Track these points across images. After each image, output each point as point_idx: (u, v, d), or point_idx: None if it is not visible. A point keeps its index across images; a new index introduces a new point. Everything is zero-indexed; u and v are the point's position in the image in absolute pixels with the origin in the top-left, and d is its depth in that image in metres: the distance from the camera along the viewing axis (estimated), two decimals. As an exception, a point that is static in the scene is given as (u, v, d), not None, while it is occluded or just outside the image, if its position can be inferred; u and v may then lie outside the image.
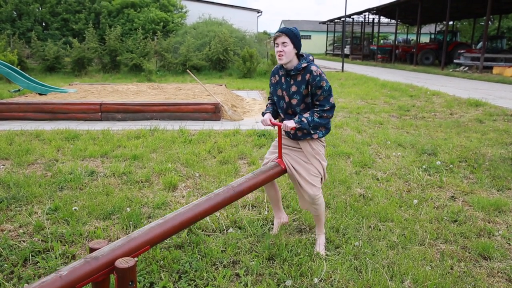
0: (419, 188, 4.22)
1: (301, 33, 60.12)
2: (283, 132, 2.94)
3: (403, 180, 4.47)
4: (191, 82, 13.20)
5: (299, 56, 2.77)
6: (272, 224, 3.34)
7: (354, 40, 38.04)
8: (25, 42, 20.11)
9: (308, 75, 2.70)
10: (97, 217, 3.43)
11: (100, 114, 7.32)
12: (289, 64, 2.73)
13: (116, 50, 17.76)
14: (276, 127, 2.90)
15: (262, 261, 2.79)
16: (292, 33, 2.68)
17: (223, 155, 5.13)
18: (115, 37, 17.83)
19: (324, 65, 27.98)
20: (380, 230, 3.28)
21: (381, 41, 39.37)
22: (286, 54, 2.67)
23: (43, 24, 24.94)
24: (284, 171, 2.87)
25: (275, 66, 2.95)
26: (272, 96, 3.00)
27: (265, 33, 41.54)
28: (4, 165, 4.83)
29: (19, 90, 10.77)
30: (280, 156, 2.88)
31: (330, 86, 2.74)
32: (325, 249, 2.95)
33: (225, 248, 2.97)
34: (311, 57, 2.79)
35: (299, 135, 2.81)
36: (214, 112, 7.52)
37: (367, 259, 2.82)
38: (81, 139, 5.94)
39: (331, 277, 2.62)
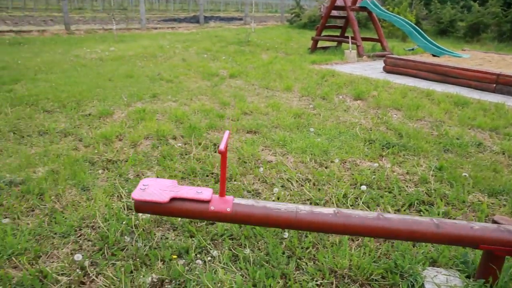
0: None
1: None
2: None
3: None
4: None
5: None
6: None
7: None
8: (424, 4, 20.78)
9: None
10: (483, 190, 3.33)
11: (494, 85, 6.85)
12: None
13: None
14: None
15: None
16: None
17: None
18: (525, 3, 15.82)
19: None
20: None
21: None
22: None
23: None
24: None
25: None
26: None
27: None
28: (396, 115, 5.34)
29: (413, 49, 11.42)
30: None
31: None
32: None
33: None
34: None
35: None
36: None
37: None
38: (470, 107, 5.79)
39: None
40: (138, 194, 1.83)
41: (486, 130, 4.86)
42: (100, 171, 3.41)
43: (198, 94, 5.99)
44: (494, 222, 2.05)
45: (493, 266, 2.04)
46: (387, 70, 8.37)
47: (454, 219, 2.91)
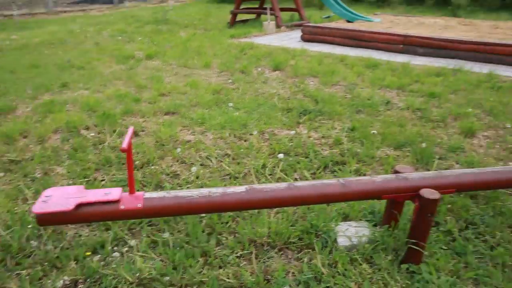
0: None
1: None
2: None
3: None
4: (511, 20, 11.32)
5: None
6: None
7: None
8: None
9: None
10: (389, 145, 3.56)
11: (401, 46, 7.25)
12: None
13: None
14: None
15: None
16: None
17: (539, 111, 4.35)
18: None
19: None
20: None
21: None
22: None
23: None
24: None
25: None
26: None
27: None
28: (313, 82, 5.50)
29: (329, 16, 11.72)
30: None
31: None
32: None
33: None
34: None
35: None
36: (535, 59, 6.31)
37: None
38: (380, 68, 6.10)
39: None
40: (39, 207, 1.71)
41: (394, 89, 5.15)
42: (1, 174, 3.17)
43: (112, 79, 5.74)
44: (396, 172, 2.19)
45: (394, 212, 2.20)
46: (305, 39, 8.54)
47: (364, 175, 3.08)
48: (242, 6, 11.38)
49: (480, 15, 14.40)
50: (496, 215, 2.59)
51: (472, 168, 2.99)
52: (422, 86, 5.20)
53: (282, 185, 2.01)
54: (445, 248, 2.29)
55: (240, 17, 11.74)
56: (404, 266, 2.10)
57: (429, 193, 1.85)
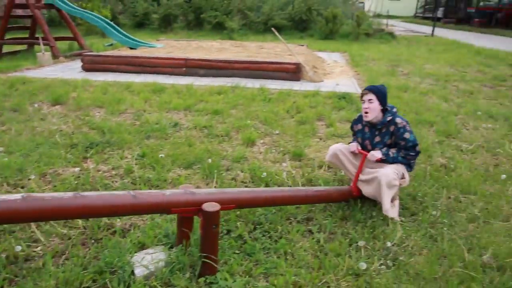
0: (509, 163, 3.94)
1: (391, -7, 55.60)
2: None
3: (491, 153, 4.19)
4: (272, 41, 13.14)
5: (383, 109, 2.85)
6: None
7: (449, 1, 34.95)
8: (118, -1, 21.15)
9: (392, 127, 2.83)
10: (180, 165, 3.67)
11: (184, 69, 7.62)
12: (374, 119, 2.85)
13: (201, 7, 18.08)
14: (360, 154, 3.00)
15: (336, 221, 2.83)
16: (379, 91, 2.80)
17: (301, 115, 5.15)
18: (200, -6, 18.11)
19: (412, 28, 26.21)
20: (460, 202, 3.15)
21: (481, 3, 35.73)
22: (371, 111, 2.81)
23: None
24: (356, 196, 3.00)
25: (358, 114, 3.07)
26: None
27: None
28: (99, 113, 5.27)
29: (111, 44, 11.49)
30: (355, 182, 2.98)
31: (414, 136, 2.81)
32: (400, 215, 2.92)
33: (300, 205, 3.05)
34: (395, 109, 2.88)
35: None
36: (295, 72, 7.48)
37: (444, 229, 2.75)
38: (166, 92, 6.26)
39: (404, 242, 2.60)
40: None
41: (181, 110, 5.36)
42: None
43: None
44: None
45: (185, 230, 2.26)
46: (86, 68, 8.13)
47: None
48: (9, 36, 10.14)
49: (251, 37, 16.33)
50: (277, 211, 2.93)
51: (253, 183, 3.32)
52: (206, 105, 5.55)
53: (68, 194, 1.86)
54: (238, 252, 2.47)
55: (8, 48, 10.46)
56: (201, 279, 2.17)
57: (211, 206, 1.97)
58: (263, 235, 2.67)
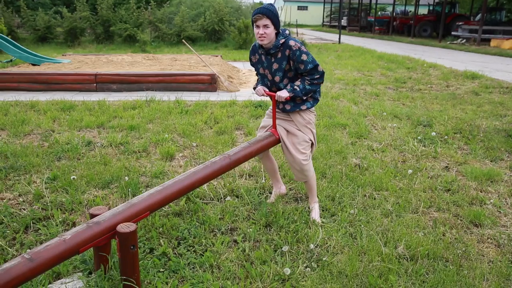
0: (414, 159, 4.27)
1: (299, 4, 58.26)
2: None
3: (398, 150, 4.52)
4: (186, 53, 13.05)
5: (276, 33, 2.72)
6: (270, 193, 3.40)
7: (351, 12, 37.48)
8: (14, 11, 19.62)
9: (287, 50, 2.69)
10: (96, 186, 3.47)
11: (95, 85, 7.26)
12: (269, 44, 2.70)
13: (109, 20, 17.44)
14: (271, 97, 2.91)
15: (259, 228, 2.85)
16: (272, 14, 2.62)
17: (219, 126, 5.14)
18: (107, 7, 17.47)
19: (321, 36, 27.64)
20: (375, 198, 3.35)
21: (379, 13, 38.77)
22: (268, 36, 2.64)
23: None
24: (278, 140, 2.93)
25: (253, 44, 2.91)
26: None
27: (261, 3, 40.73)
28: (0, 136, 4.82)
29: (11, 60, 10.61)
30: (274, 126, 2.92)
31: (312, 56, 2.70)
32: (321, 217, 3.02)
33: (223, 215, 3.03)
34: (287, 32, 2.76)
35: (288, 108, 2.86)
36: (210, 83, 7.47)
37: (362, 226, 2.89)
38: (77, 109, 5.91)
39: (326, 243, 2.69)
40: None
41: (94, 128, 5.09)
42: None
43: None
44: (91, 215, 2.11)
45: (102, 254, 2.13)
46: (-17, 88, 7.41)
47: (73, 223, 2.89)
48: None
49: (164, 49, 16.08)
50: (200, 225, 2.88)
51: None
52: (121, 121, 5.33)
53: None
54: (162, 270, 2.38)
55: None
56: (124, 305, 2.05)
57: (125, 227, 1.87)
58: (188, 250, 2.61)
